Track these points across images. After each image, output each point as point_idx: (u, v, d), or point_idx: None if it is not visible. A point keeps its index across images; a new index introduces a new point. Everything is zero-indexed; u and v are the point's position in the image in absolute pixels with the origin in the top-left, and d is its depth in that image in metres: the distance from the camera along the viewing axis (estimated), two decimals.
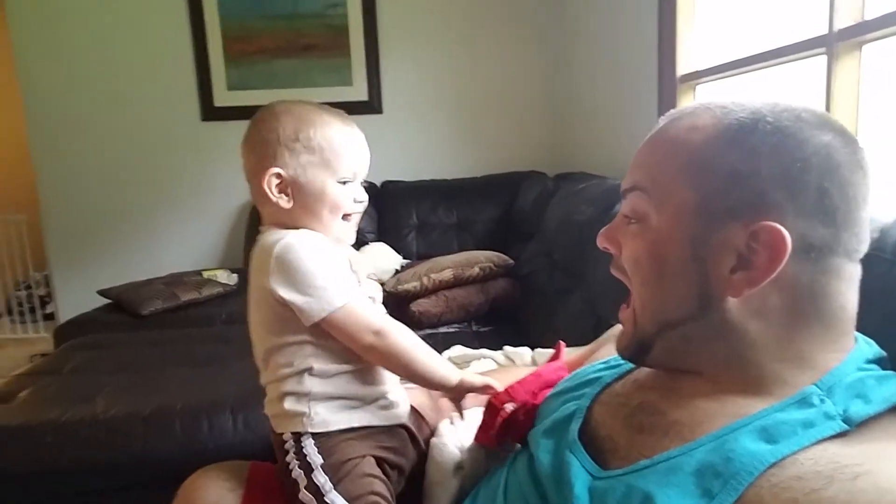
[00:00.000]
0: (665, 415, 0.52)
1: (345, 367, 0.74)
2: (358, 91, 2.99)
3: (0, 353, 3.49)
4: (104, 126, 2.98)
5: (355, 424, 0.73)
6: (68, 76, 2.93)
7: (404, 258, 2.64)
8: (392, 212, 2.88)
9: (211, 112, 3.00)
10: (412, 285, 1.98)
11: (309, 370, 0.72)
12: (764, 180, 0.47)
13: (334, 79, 2.98)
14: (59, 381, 1.66)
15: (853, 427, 0.44)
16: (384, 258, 2.61)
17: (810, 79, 1.40)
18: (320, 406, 0.72)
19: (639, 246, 0.54)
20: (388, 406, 0.76)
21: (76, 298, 2.89)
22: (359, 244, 2.79)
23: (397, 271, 2.43)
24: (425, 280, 1.97)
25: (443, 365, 0.75)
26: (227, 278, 2.72)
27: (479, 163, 2.99)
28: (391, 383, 0.78)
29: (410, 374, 0.74)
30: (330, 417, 0.72)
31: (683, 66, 1.85)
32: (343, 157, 0.73)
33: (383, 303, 2.21)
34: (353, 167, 0.75)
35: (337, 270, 0.70)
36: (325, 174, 0.72)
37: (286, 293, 0.68)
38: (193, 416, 1.39)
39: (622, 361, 0.64)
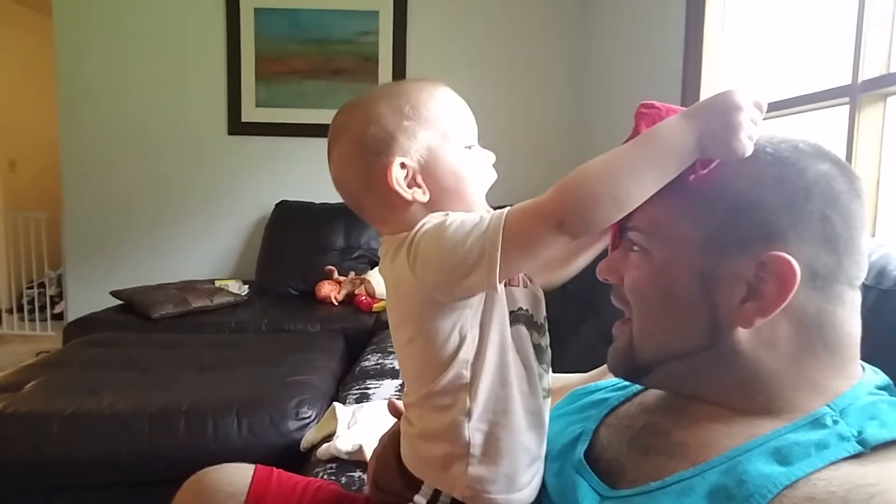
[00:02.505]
0: (670, 436, 0.52)
1: None
2: None
3: (5, 348, 3.50)
4: (133, 132, 3.05)
5: None
6: (104, 83, 3.02)
7: None
8: None
9: (238, 126, 3.07)
10: None
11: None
12: (768, 210, 0.48)
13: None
14: (67, 374, 1.66)
15: (868, 449, 0.43)
16: None
17: (833, 127, 1.42)
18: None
19: (643, 277, 0.53)
20: None
21: (86, 299, 2.91)
22: (371, 263, 2.81)
23: None
24: None
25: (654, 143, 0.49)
26: (238, 289, 2.75)
27: (498, 192, 3.01)
28: None
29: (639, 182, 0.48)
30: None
31: None
32: (456, 119, 0.60)
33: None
34: (470, 127, 0.61)
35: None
36: (448, 144, 0.58)
37: None
38: (199, 417, 1.39)
39: (629, 383, 0.63)
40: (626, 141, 0.51)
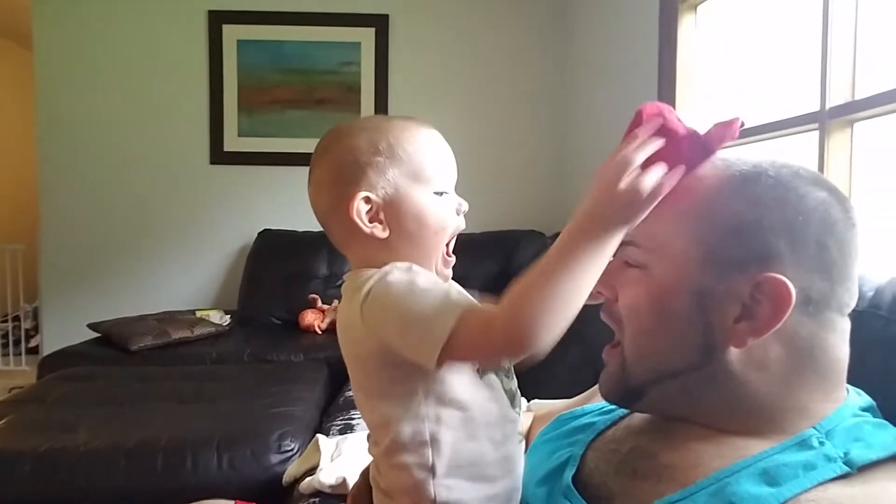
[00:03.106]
0: (657, 458, 0.52)
1: None
2: None
3: None
4: (113, 162, 3.03)
5: None
6: (84, 113, 3.01)
7: None
8: None
9: (220, 156, 3.06)
10: None
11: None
12: (768, 231, 0.48)
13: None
14: (41, 411, 1.62)
15: (854, 470, 0.44)
16: None
17: (804, 153, 1.47)
18: None
19: (639, 294, 0.53)
20: None
21: (63, 332, 2.84)
22: None
23: None
24: None
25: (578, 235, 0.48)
26: (219, 319, 2.71)
27: (479, 219, 3.04)
28: None
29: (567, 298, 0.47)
30: None
31: None
32: (432, 162, 0.59)
33: None
34: (446, 174, 0.61)
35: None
36: (418, 186, 0.58)
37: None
38: (177, 452, 1.35)
39: (615, 406, 0.63)
40: (629, 131, 0.52)
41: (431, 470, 0.53)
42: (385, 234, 0.58)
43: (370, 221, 0.57)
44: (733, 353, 0.49)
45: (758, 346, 0.48)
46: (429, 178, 0.59)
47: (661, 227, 0.52)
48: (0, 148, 4.53)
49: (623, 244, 0.53)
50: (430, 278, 0.55)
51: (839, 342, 0.50)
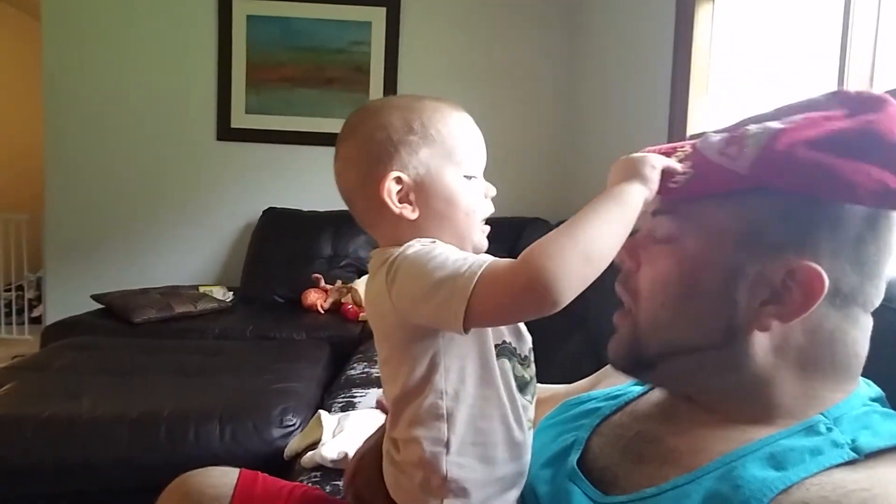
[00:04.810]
0: (662, 442, 0.52)
1: None
2: None
3: None
4: (120, 135, 3.02)
5: None
6: (92, 84, 2.99)
7: None
8: None
9: (227, 132, 3.05)
10: None
11: None
12: (813, 220, 0.48)
13: (351, 111, 3.05)
14: (44, 378, 1.63)
15: (861, 457, 0.44)
16: None
17: None
18: None
19: (669, 267, 0.52)
20: None
21: (66, 302, 2.86)
22: (359, 272, 2.79)
23: None
24: None
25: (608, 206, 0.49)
26: (222, 295, 2.71)
27: None
28: None
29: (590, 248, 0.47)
30: None
31: (693, 129, 1.91)
32: (464, 145, 0.59)
33: None
34: (477, 157, 0.61)
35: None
36: (450, 168, 0.57)
37: None
38: (180, 424, 1.37)
39: (622, 392, 0.63)
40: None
41: (446, 445, 0.53)
42: (415, 216, 0.57)
43: (400, 202, 0.57)
44: (756, 336, 0.49)
45: (780, 334, 0.48)
46: (460, 160, 0.59)
47: (702, 199, 0.51)
48: (3, 117, 4.50)
49: (656, 213, 0.53)
50: (449, 247, 0.55)
51: (860, 338, 0.50)
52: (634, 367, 0.56)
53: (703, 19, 1.88)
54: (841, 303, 0.48)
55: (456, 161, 0.58)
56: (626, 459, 0.54)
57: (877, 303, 0.51)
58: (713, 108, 1.91)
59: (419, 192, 0.57)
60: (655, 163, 0.51)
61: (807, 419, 0.48)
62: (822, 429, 0.46)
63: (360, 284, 2.58)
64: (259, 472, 0.78)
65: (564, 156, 3.07)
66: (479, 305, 0.47)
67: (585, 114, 2.85)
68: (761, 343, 0.49)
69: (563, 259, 0.45)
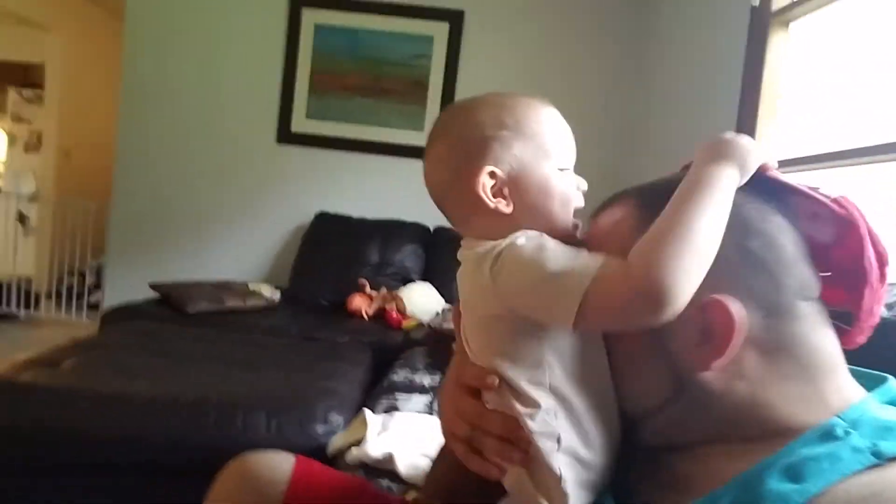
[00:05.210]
0: (674, 470, 0.50)
1: None
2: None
3: (40, 332, 3.59)
4: (186, 132, 3.16)
5: None
6: (165, 82, 3.15)
7: (446, 302, 2.65)
8: (440, 256, 2.91)
9: (287, 136, 3.15)
10: None
11: None
12: None
13: (407, 123, 3.11)
14: (103, 357, 1.70)
15: (884, 461, 0.41)
16: (428, 298, 2.62)
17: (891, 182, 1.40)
18: None
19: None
20: None
21: (123, 289, 2.99)
22: (404, 281, 2.82)
23: (438, 314, 2.43)
24: None
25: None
26: (270, 293, 2.78)
27: None
28: None
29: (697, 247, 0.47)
30: None
31: None
32: (556, 139, 0.60)
33: (423, 341, 2.05)
34: (568, 151, 0.61)
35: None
36: (543, 161, 0.58)
37: None
38: (229, 411, 1.40)
39: None
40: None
41: (557, 440, 0.51)
42: (509, 210, 0.57)
43: (494, 196, 0.57)
44: (706, 374, 0.48)
45: (729, 363, 0.47)
46: (552, 153, 0.59)
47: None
48: (79, 110, 4.77)
49: None
50: (558, 242, 0.54)
51: (810, 329, 0.48)
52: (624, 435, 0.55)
53: (776, 44, 1.84)
54: (771, 309, 0.47)
55: (548, 154, 0.59)
56: (643, 482, 0.52)
57: (812, 284, 0.49)
58: (782, 137, 1.85)
59: (513, 185, 0.57)
60: (760, 155, 0.51)
61: (821, 424, 0.45)
62: (840, 432, 0.44)
63: (405, 292, 2.60)
64: (314, 460, 0.78)
65: (624, 177, 3.03)
66: (591, 305, 0.47)
67: (647, 135, 2.82)
68: (716, 377, 0.47)
69: (680, 264, 0.45)
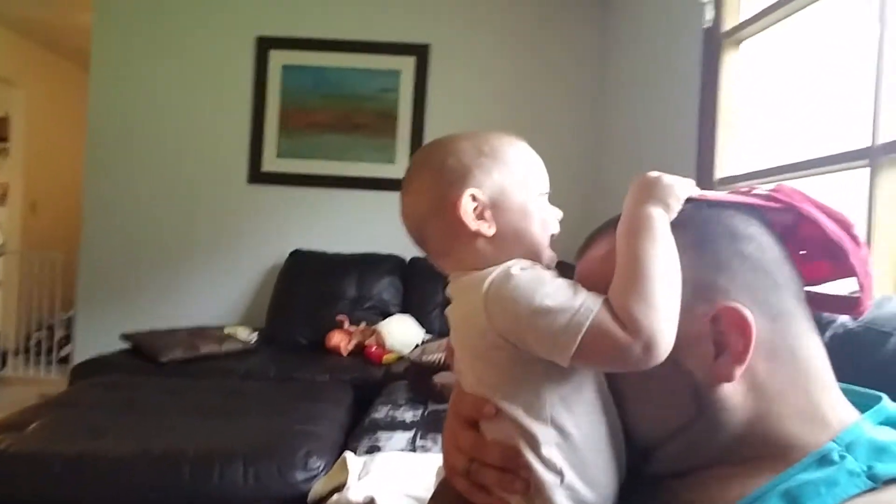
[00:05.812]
0: (678, 496, 0.50)
1: None
2: (399, 169, 3.11)
3: (9, 391, 3.46)
4: (156, 178, 3.13)
5: None
6: (132, 128, 3.13)
7: (426, 333, 2.63)
8: (418, 288, 2.90)
9: (258, 176, 3.14)
10: (437, 357, 1.95)
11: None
12: (694, 272, 0.49)
13: (378, 156, 3.13)
14: (72, 416, 1.63)
15: (879, 485, 0.42)
16: (407, 330, 2.60)
17: (852, 190, 1.44)
18: None
19: None
20: None
21: (95, 341, 2.89)
22: (383, 314, 2.79)
23: (418, 345, 2.41)
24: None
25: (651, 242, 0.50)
26: (247, 336, 2.73)
27: None
28: None
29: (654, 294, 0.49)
30: None
31: (722, 170, 1.91)
32: (531, 167, 0.62)
33: (404, 374, 2.04)
34: (543, 178, 0.63)
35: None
36: (521, 186, 0.60)
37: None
38: (204, 464, 1.35)
39: None
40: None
41: (560, 475, 0.50)
42: (492, 231, 0.57)
43: (476, 219, 0.58)
44: (725, 389, 0.48)
45: (745, 373, 0.47)
46: (529, 181, 0.61)
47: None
48: (44, 161, 4.71)
49: None
50: (555, 274, 0.55)
51: (804, 331, 0.50)
52: (628, 460, 0.55)
53: (729, 63, 1.90)
54: (774, 312, 0.48)
55: (525, 180, 0.61)
56: None
57: (798, 279, 0.51)
58: (742, 151, 1.90)
59: (495, 206, 0.58)
60: (683, 189, 0.52)
61: (819, 448, 0.46)
62: (836, 457, 0.44)
63: (385, 326, 2.57)
64: None
65: (591, 201, 3.07)
66: (587, 347, 0.47)
67: (611, 161, 2.87)
68: (733, 391, 0.48)
69: (665, 314, 0.47)
